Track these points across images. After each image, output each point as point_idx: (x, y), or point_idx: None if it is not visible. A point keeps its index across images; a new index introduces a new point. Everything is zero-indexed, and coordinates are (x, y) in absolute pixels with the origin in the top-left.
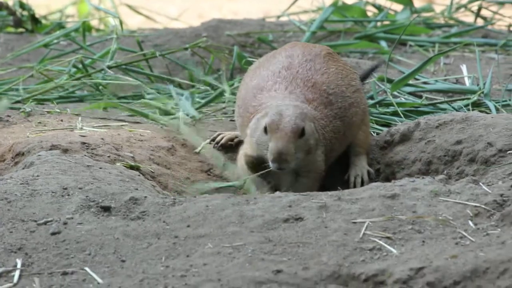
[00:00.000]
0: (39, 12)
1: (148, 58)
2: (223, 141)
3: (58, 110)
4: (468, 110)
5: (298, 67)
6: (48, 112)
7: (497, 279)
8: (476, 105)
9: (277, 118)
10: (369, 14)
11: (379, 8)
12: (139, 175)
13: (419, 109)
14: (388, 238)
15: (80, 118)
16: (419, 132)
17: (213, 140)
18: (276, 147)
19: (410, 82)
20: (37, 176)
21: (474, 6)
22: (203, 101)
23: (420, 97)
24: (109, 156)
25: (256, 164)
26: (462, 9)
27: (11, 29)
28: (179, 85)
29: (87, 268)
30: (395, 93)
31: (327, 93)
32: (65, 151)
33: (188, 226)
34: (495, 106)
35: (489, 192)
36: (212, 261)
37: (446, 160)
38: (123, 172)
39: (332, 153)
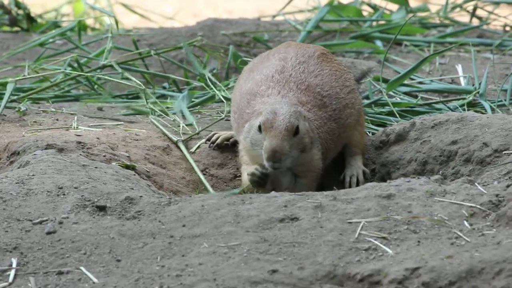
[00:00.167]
0: (34, 11)
1: (144, 57)
2: (219, 140)
3: (54, 110)
4: (464, 110)
5: (291, 70)
6: (43, 111)
7: (492, 280)
8: (472, 105)
9: (271, 116)
10: (365, 13)
11: (375, 7)
12: (134, 175)
13: (414, 109)
14: (384, 238)
15: (75, 118)
16: (414, 132)
17: (208, 140)
18: (270, 145)
19: (406, 82)
20: (33, 175)
21: (470, 6)
22: (198, 100)
23: (416, 97)
24: (104, 156)
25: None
26: (458, 9)
27: (7, 28)
28: (174, 82)
29: (82, 268)
30: (391, 93)
31: (321, 96)
32: (61, 150)
33: (184, 225)
34: (490, 106)
35: (484, 193)
36: (208, 261)
37: (441, 160)
38: (118, 171)
39: (328, 154)
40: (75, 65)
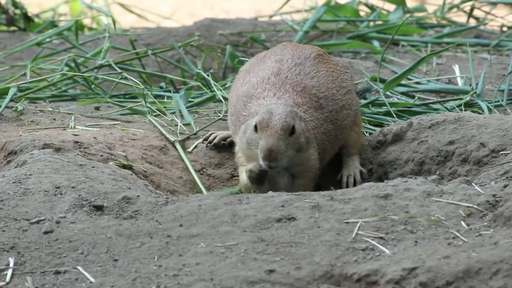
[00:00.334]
0: (31, 10)
1: (141, 56)
2: (216, 140)
3: (51, 109)
4: (461, 110)
5: (287, 72)
6: (40, 110)
7: (489, 280)
8: (469, 105)
9: (267, 116)
10: (362, 14)
11: (372, 8)
12: (131, 174)
13: (411, 109)
14: (381, 238)
15: (72, 117)
16: (411, 132)
17: (206, 139)
18: (266, 144)
19: (403, 82)
20: (30, 175)
21: (467, 6)
22: (195, 100)
23: (413, 97)
24: (101, 155)
25: (259, 177)
26: (455, 9)
27: (4, 28)
28: (171, 82)
29: (79, 267)
30: (388, 93)
31: (317, 97)
32: (58, 150)
33: (181, 225)
34: (487, 107)
35: (481, 193)
36: (205, 261)
37: (438, 160)
38: (115, 171)
39: (324, 155)
40: (72, 64)
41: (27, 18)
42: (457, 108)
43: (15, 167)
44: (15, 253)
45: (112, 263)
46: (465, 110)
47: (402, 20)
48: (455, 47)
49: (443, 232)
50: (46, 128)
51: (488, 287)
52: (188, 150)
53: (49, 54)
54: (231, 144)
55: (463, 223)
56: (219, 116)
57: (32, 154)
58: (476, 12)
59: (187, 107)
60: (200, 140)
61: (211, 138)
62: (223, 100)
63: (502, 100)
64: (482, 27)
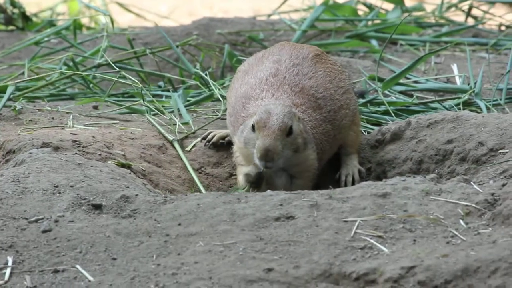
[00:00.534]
0: (29, 10)
1: (139, 56)
2: (214, 139)
3: (49, 108)
4: (459, 109)
5: (285, 72)
6: (39, 110)
7: (488, 278)
8: (467, 104)
9: (265, 116)
10: (360, 13)
11: (370, 7)
12: (130, 173)
13: (410, 108)
14: (379, 237)
15: (71, 116)
16: (410, 131)
17: (204, 138)
18: (263, 144)
19: (401, 81)
20: (28, 173)
21: (465, 6)
22: (194, 99)
23: (411, 96)
24: (100, 154)
25: (256, 180)
26: (453, 9)
27: (2, 27)
28: (169, 81)
29: (78, 266)
30: (386, 92)
31: (315, 97)
32: (56, 149)
33: (179, 224)
34: (486, 106)
35: (480, 191)
36: (203, 259)
37: (437, 159)
38: (114, 170)
39: (323, 155)
40: (71, 64)
41: (25, 17)
42: (455, 107)
43: (14, 166)
44: (13, 252)
45: (110, 262)
46: (464, 109)
47: (400, 19)
48: (453, 46)
49: (441, 231)
50: (45, 127)
51: (487, 285)
52: (186, 149)
53: (47, 53)
54: (230, 143)
55: (461, 221)
56: (217, 115)
57: (30, 153)
58: (474, 11)
59: (185, 106)
60: (199, 139)
61: (209, 137)
62: (221, 99)
63: (501, 99)
64: (480, 26)
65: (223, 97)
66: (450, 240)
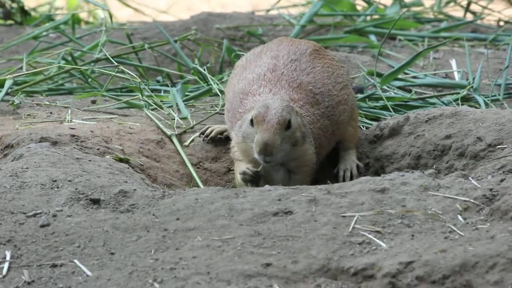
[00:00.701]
0: (28, 4)
1: (137, 50)
2: (212, 134)
3: (48, 103)
4: (458, 104)
5: (283, 68)
6: (37, 104)
7: (486, 274)
8: (466, 99)
9: (263, 110)
10: (359, 8)
11: (369, 2)
12: (128, 168)
13: (408, 103)
14: (378, 232)
15: (69, 111)
16: (408, 127)
17: (202, 133)
18: (262, 138)
19: (400, 76)
20: (27, 168)
21: (464, 1)
22: (192, 94)
23: (410, 91)
24: (98, 149)
25: (252, 179)
26: (452, 4)
27: (0, 21)
28: (167, 76)
29: (76, 261)
30: (385, 87)
31: (313, 93)
32: (55, 143)
33: (178, 219)
34: (484, 101)
35: (478, 187)
36: (202, 254)
37: (435, 154)
38: (112, 164)
39: (321, 151)
40: (69, 58)
41: (23, 11)
42: (454, 103)
43: (12, 161)
44: (11, 246)
45: (108, 257)
46: (462, 105)
47: (399, 14)
48: (452, 41)
49: (439, 226)
50: (43, 122)
51: (485, 281)
52: (185, 144)
53: (45, 47)
54: (228, 138)
55: (459, 217)
56: (215, 110)
57: (28, 147)
58: (473, 7)
59: (184, 101)
60: (197, 134)
61: (208, 131)
62: (219, 94)
63: (499, 95)
64: (479, 22)
65: (222, 92)
66: (448, 236)
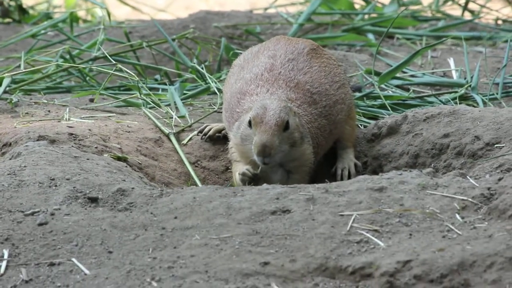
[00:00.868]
0: (26, 2)
1: (136, 49)
2: (211, 132)
3: (46, 101)
4: (456, 103)
5: (280, 68)
6: (35, 102)
7: (484, 273)
8: (464, 98)
9: (261, 111)
10: (357, 6)
11: (367, 0)
12: (126, 167)
13: (406, 102)
14: (376, 231)
15: (67, 109)
16: (406, 125)
17: (201, 131)
18: (260, 140)
19: (398, 75)
20: (24, 166)
21: (462, 0)
22: (190, 92)
23: (408, 90)
24: (96, 147)
25: (251, 180)
26: (450, 3)
27: None
28: (166, 74)
29: (74, 259)
30: (383, 86)
31: (310, 93)
32: (53, 141)
33: (176, 217)
34: (482, 100)
35: (476, 186)
36: (200, 253)
37: (433, 153)
38: (110, 163)
39: (319, 150)
40: (67, 56)
41: (22, 10)
42: (452, 101)
43: (10, 159)
44: (9, 245)
45: (106, 255)
46: (460, 103)
47: (397, 13)
48: (450, 40)
49: (437, 225)
50: (41, 120)
51: (483, 280)
52: (183, 142)
53: (43, 46)
54: (226, 137)
55: (457, 216)
56: (214, 108)
57: (26, 146)
58: (471, 6)
59: (182, 99)
60: (195, 132)
61: (206, 130)
62: (217, 93)
63: (497, 93)
64: (477, 21)
65: (220, 90)
66: (446, 234)
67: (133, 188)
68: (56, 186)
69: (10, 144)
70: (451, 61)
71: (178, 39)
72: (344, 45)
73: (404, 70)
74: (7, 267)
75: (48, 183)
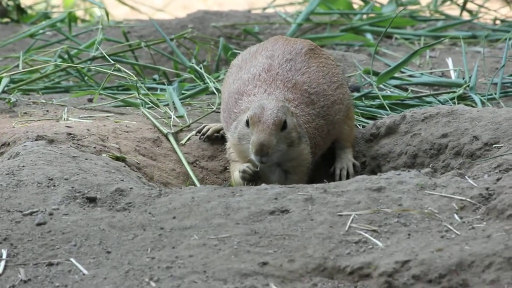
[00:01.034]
0: (24, 2)
1: (134, 48)
2: (209, 132)
3: (44, 101)
4: (454, 103)
5: (278, 68)
6: (33, 102)
7: (482, 273)
8: (462, 98)
9: (259, 111)
10: (355, 6)
11: (365, 0)
12: (124, 166)
13: (405, 102)
14: (374, 231)
15: (66, 109)
16: (405, 125)
17: (199, 131)
18: (257, 139)
19: (396, 75)
20: (23, 166)
21: (460, 0)
22: (188, 92)
23: (406, 90)
24: (95, 147)
25: (252, 178)
26: (448, 2)
27: None
28: (164, 74)
29: (72, 259)
30: (381, 86)
31: (308, 93)
32: (51, 141)
33: (174, 217)
34: (480, 100)
35: (474, 186)
36: (198, 253)
37: (432, 153)
38: (109, 163)
39: (317, 150)
40: (66, 56)
41: (20, 9)
42: (450, 101)
43: (8, 159)
44: (8, 245)
45: (105, 255)
46: (458, 103)
47: (395, 13)
48: (448, 40)
49: (436, 225)
50: (39, 120)
51: (481, 280)
52: (181, 142)
53: (42, 45)
54: (224, 137)
55: (456, 216)
56: (212, 108)
57: (25, 145)
58: (469, 5)
59: (180, 99)
60: (193, 132)
61: (204, 130)
62: (216, 92)
63: (495, 93)
64: (475, 21)
65: (218, 90)
66: (444, 235)
67: (131, 188)
68: (54, 186)
69: (9, 144)
70: (449, 61)
71: (176, 39)
72: (342, 45)
73: (403, 70)
74: (5, 267)
75: (46, 183)
